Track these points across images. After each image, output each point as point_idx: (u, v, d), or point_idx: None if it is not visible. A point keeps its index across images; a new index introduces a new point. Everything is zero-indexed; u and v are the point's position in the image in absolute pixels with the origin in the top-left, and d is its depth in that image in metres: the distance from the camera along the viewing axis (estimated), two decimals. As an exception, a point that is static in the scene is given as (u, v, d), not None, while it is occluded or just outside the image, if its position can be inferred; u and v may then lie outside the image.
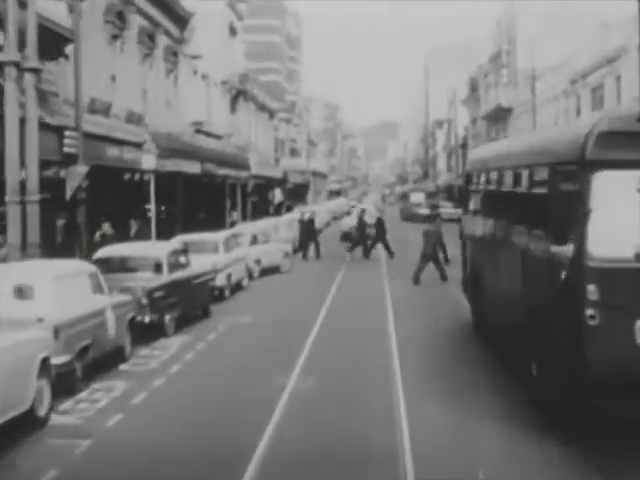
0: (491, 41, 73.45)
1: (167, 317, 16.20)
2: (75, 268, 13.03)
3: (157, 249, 17.46)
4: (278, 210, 53.77)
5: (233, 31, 51.09)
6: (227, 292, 22.15)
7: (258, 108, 59.47)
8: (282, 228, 35.86)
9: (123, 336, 13.88)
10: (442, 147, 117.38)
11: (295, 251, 34.94)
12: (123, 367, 13.60)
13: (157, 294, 15.81)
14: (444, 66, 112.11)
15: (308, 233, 35.07)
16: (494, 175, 13.87)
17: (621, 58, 37.34)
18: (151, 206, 24.12)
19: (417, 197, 70.36)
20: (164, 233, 23.70)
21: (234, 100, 50.03)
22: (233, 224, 37.70)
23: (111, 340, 13.30)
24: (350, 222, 39.50)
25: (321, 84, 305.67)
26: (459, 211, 67.11)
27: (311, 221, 36.06)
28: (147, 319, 15.47)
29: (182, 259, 17.82)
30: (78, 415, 10.76)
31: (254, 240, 27.91)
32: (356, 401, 11.18)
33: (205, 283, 18.97)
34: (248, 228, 30.37)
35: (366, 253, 32.97)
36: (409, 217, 63.70)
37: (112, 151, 22.33)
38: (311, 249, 34.10)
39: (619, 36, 37.42)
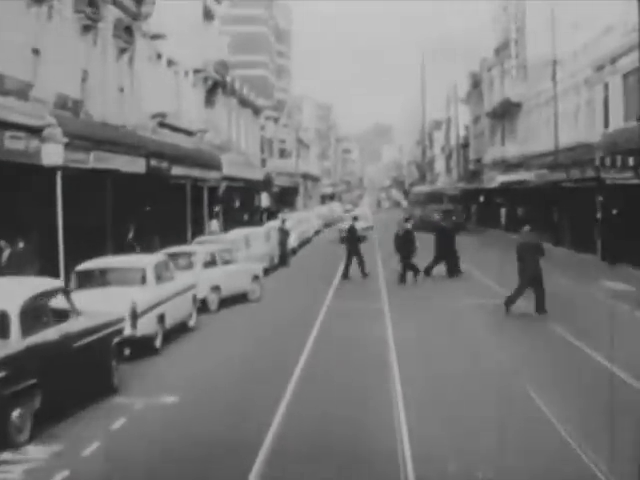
0: (493, 33, 67.62)
1: (14, 414, 9.39)
2: None
3: (6, 294, 10.41)
4: (259, 217, 47.06)
5: (209, 14, 45.16)
6: (158, 342, 15.30)
7: (240, 103, 53.24)
8: (256, 241, 29.05)
9: None
10: (440, 149, 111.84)
11: (271, 268, 28.49)
12: None
13: (-11, 378, 9.02)
14: (441, 64, 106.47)
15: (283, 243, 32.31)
16: None
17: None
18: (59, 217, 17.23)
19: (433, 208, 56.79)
20: (78, 257, 16.74)
21: (210, 92, 44.45)
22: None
23: None
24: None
25: (313, 86, 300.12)
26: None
27: (283, 231, 32.55)
28: (-37, 427, 8.68)
29: (58, 306, 10.99)
30: None
31: (212, 260, 21.04)
32: None
33: (104, 340, 11.98)
34: (203, 245, 23.40)
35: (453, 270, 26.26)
36: (423, 225, 44.15)
37: (-16, 138, 15.52)
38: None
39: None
